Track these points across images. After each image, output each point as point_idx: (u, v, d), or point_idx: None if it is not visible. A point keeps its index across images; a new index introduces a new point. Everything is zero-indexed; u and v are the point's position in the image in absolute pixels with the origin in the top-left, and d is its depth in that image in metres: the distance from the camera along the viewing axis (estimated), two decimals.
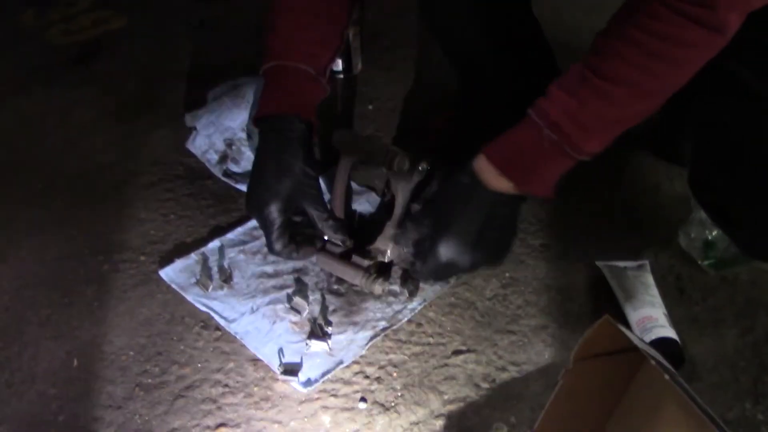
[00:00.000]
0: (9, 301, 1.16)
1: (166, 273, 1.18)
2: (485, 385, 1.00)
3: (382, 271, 1.11)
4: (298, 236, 1.08)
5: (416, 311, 1.11)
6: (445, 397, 0.99)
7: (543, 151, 0.92)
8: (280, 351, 1.05)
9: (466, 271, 1.07)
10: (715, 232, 1.11)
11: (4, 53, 1.81)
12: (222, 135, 1.39)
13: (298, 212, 1.08)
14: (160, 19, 1.91)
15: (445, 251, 1.00)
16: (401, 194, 1.10)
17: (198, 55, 1.74)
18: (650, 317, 1.02)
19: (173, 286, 1.16)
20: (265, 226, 1.06)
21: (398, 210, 1.10)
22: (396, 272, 1.14)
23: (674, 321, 1.05)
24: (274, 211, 1.04)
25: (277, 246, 1.06)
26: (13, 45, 1.85)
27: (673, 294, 1.12)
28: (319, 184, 1.10)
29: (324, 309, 1.11)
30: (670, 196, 1.30)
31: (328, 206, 1.13)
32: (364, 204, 1.30)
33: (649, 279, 1.10)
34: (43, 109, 1.61)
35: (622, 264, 1.14)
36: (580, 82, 0.89)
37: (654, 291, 1.08)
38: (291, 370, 1.02)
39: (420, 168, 1.09)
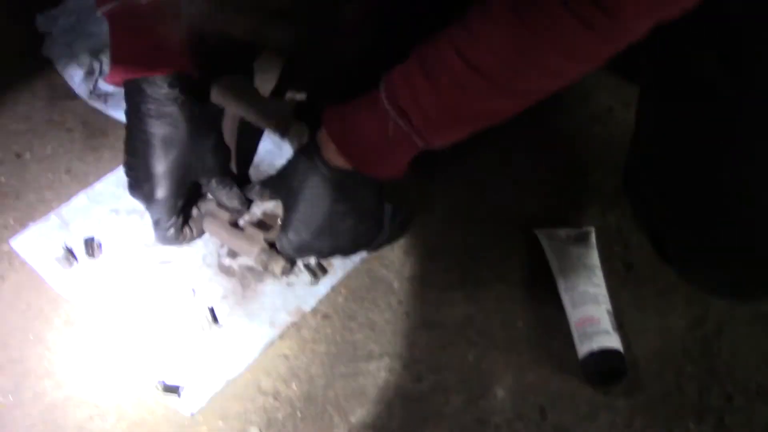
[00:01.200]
0: None
1: (20, 244, 0.97)
2: (398, 402, 0.87)
3: None
4: (189, 217, 0.96)
5: (322, 297, 0.94)
6: (351, 419, 0.86)
7: (388, 138, 0.79)
8: (160, 361, 0.89)
9: (325, 257, 0.95)
10: None
11: None
12: (85, 43, 1.12)
13: (189, 186, 0.94)
14: None
15: (294, 236, 0.88)
16: None
17: None
18: (592, 318, 0.89)
19: (28, 263, 0.95)
20: (155, 216, 0.92)
21: None
22: None
23: (618, 309, 0.93)
24: (163, 199, 0.90)
25: (171, 237, 0.94)
26: None
27: (619, 270, 0.99)
28: (212, 154, 0.94)
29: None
30: (623, 125, 1.12)
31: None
32: (267, 142, 1.08)
33: (594, 257, 0.96)
34: None
35: (563, 232, 0.99)
36: (441, 63, 0.73)
37: (598, 275, 0.94)
38: (171, 388, 0.85)
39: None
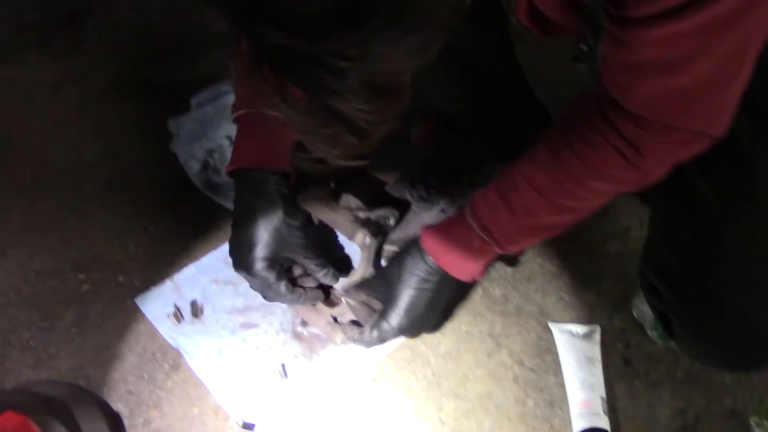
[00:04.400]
0: None
1: (141, 301, 1.24)
2: None
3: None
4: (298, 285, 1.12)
5: (373, 365, 1.17)
6: None
7: (472, 247, 1.00)
8: (240, 402, 1.13)
9: (413, 337, 1.15)
10: None
11: None
12: (204, 144, 1.41)
13: (287, 266, 1.11)
14: None
15: (398, 321, 1.06)
16: (361, 264, 1.14)
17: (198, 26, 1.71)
18: (588, 402, 1.09)
19: (147, 317, 1.22)
20: (260, 282, 1.07)
21: (356, 274, 1.15)
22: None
23: (613, 397, 1.13)
24: (262, 266, 1.06)
25: (281, 292, 1.08)
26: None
27: (617, 365, 1.17)
28: (302, 232, 1.10)
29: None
30: (637, 242, 1.32)
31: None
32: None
33: (596, 352, 1.16)
34: (34, 83, 1.62)
35: (573, 328, 1.19)
36: (513, 189, 0.95)
37: (598, 368, 1.14)
38: (248, 426, 1.10)
39: (377, 239, 1.12)
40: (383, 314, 1.07)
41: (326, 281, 1.13)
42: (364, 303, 1.13)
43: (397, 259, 1.09)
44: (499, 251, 1.00)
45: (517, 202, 0.95)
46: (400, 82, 0.63)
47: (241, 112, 1.11)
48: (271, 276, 1.07)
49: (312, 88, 0.59)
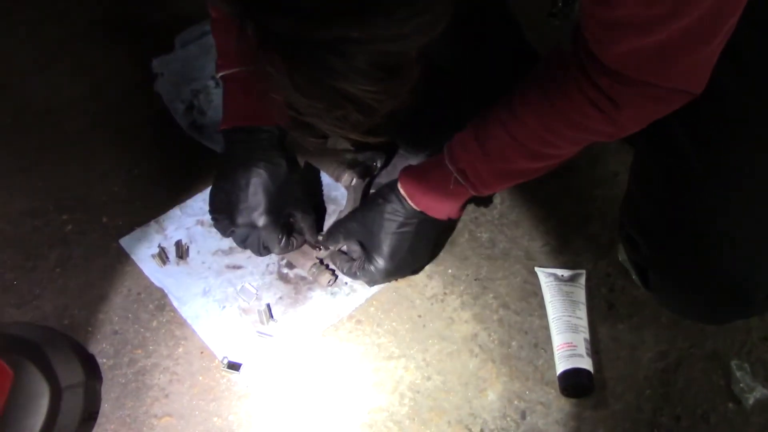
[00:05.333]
0: None
1: (126, 242, 1.24)
2: (409, 395, 1.09)
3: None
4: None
5: (358, 306, 1.17)
6: (371, 404, 1.09)
7: (447, 189, 1.03)
8: (226, 342, 1.13)
9: (397, 278, 1.18)
10: None
11: None
12: (188, 85, 1.39)
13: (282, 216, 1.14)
14: None
15: (384, 265, 1.10)
16: (347, 206, 1.14)
17: None
18: (570, 344, 1.10)
19: (132, 257, 1.21)
20: (266, 235, 1.12)
21: (341, 215, 1.16)
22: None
23: (596, 339, 1.14)
24: (267, 220, 1.11)
25: (283, 247, 1.14)
26: None
27: (601, 308, 1.18)
28: (300, 187, 1.16)
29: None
30: (624, 187, 1.30)
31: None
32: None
33: (581, 295, 1.16)
34: (13, 21, 1.59)
35: (559, 272, 1.20)
36: (489, 134, 0.97)
37: (582, 311, 1.14)
38: (233, 365, 1.10)
39: (364, 181, 1.12)
40: (368, 259, 1.09)
41: (311, 240, 1.17)
42: (341, 251, 1.15)
43: (374, 203, 1.10)
44: (473, 193, 1.03)
45: (493, 147, 0.97)
46: (408, 60, 0.62)
47: (226, 72, 1.11)
48: (275, 230, 1.11)
49: (320, 73, 0.59)
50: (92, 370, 1.07)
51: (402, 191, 1.08)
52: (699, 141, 0.93)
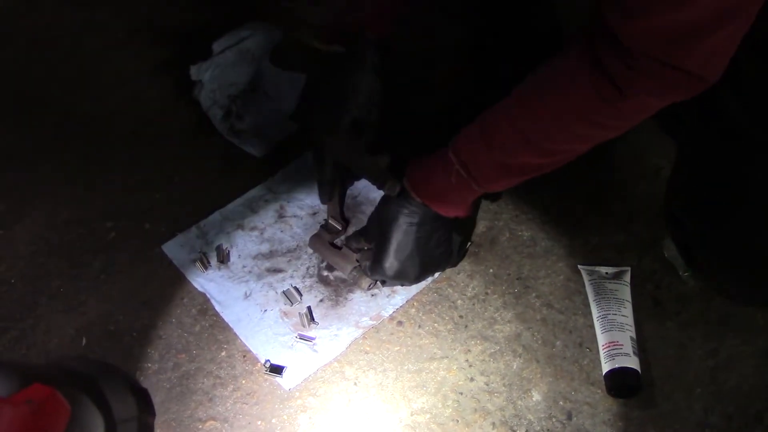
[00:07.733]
0: (24, 267, 1.24)
1: (168, 248, 1.25)
2: (452, 396, 1.08)
3: None
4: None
5: (399, 307, 1.16)
6: (414, 405, 1.08)
7: (451, 183, 1.01)
8: (268, 346, 1.14)
9: (410, 282, 1.15)
10: None
11: None
12: (226, 91, 1.39)
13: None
14: None
15: (390, 263, 1.11)
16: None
17: None
18: (616, 343, 1.08)
19: (174, 262, 1.23)
20: (345, 142, 1.13)
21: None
22: None
23: (643, 338, 1.11)
24: (349, 122, 1.11)
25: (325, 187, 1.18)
26: None
27: (648, 305, 1.15)
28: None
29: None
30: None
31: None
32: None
33: (626, 293, 1.14)
34: (56, 33, 1.61)
35: (603, 269, 1.18)
36: (495, 127, 0.95)
37: (628, 309, 1.12)
38: (276, 368, 1.10)
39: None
40: (377, 255, 1.10)
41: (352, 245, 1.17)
42: (365, 249, 1.15)
43: (387, 198, 1.10)
44: (477, 188, 1.00)
45: (496, 139, 0.95)
46: None
47: None
48: (356, 139, 1.10)
49: None
50: (145, 405, 1.08)
51: (406, 182, 1.06)
52: (757, 118, 0.90)
